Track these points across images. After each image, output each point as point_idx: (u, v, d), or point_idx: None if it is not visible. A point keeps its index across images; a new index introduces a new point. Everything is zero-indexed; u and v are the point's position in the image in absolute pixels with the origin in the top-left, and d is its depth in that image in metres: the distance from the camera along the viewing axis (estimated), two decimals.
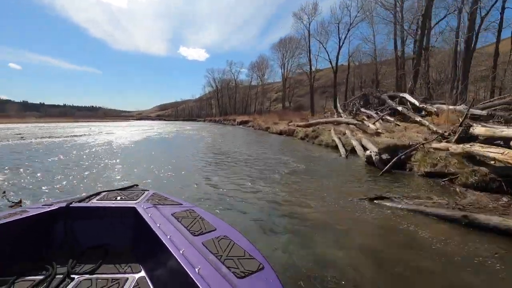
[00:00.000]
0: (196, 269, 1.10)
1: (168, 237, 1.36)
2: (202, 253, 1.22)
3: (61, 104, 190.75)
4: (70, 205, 1.74)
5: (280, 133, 20.41)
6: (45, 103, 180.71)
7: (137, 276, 1.52)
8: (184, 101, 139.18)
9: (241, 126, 38.78)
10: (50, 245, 1.69)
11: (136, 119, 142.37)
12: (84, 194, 2.07)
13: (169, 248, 1.27)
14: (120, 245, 1.74)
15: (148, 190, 2.13)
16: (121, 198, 1.90)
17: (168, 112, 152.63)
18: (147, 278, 1.50)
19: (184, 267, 1.12)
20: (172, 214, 1.62)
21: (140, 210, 1.70)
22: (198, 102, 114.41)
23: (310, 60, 37.10)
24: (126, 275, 1.52)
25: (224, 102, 73.45)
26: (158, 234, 1.40)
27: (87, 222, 1.77)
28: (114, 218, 1.79)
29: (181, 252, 1.22)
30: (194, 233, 1.41)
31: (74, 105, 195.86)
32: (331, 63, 34.10)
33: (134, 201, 1.86)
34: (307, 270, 2.50)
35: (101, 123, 56.15)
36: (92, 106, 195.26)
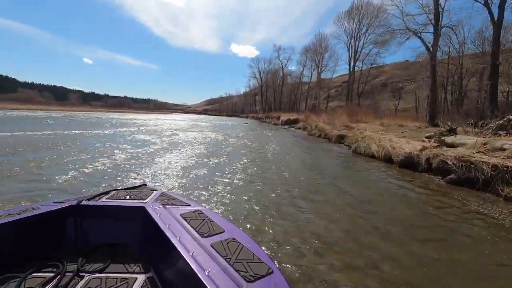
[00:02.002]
0: (206, 272, 1.07)
1: (178, 238, 1.30)
2: (211, 255, 1.18)
3: (122, 95, 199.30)
4: (80, 203, 1.67)
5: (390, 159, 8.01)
6: (109, 94, 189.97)
7: (146, 276, 1.48)
8: (229, 96, 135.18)
9: (286, 126, 29.29)
10: (61, 242, 1.64)
11: (183, 113, 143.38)
12: (93, 192, 1.94)
13: (179, 249, 1.21)
14: (129, 244, 1.69)
15: (156, 190, 2.03)
16: (130, 197, 1.83)
17: (215, 107, 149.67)
18: (156, 278, 1.46)
19: (194, 269, 1.09)
20: (180, 215, 1.56)
21: (149, 210, 1.63)
22: (242, 97, 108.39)
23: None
24: (135, 275, 1.48)
25: (269, 97, 63.48)
26: (167, 234, 1.33)
27: (97, 220, 1.70)
28: (123, 217, 1.71)
29: (190, 254, 1.17)
30: (203, 234, 1.36)
31: (132, 97, 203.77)
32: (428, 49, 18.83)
33: (143, 201, 1.78)
34: None
35: (137, 116, 50.35)
36: (148, 99, 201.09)
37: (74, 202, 1.70)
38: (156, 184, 4.96)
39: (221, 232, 1.40)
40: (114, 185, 4.64)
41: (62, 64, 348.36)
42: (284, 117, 32.50)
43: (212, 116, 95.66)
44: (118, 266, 1.53)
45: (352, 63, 33.96)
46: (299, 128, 24.40)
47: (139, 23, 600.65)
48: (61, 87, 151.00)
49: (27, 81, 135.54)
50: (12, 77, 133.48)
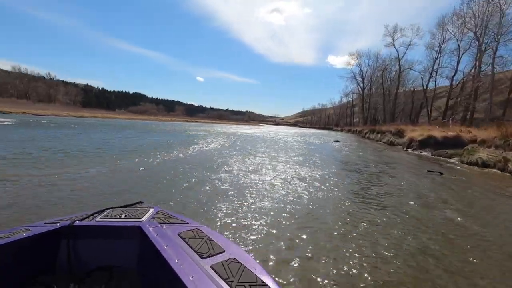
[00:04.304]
0: None
1: (176, 260, 1.19)
2: (212, 278, 1.08)
3: (224, 108, 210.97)
4: (73, 224, 1.51)
5: None
6: (213, 107, 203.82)
7: None
8: (322, 108, 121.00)
9: (424, 153, 13.88)
10: (52, 266, 1.48)
11: (274, 124, 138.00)
12: (87, 211, 1.69)
13: (177, 272, 1.11)
14: (125, 266, 1.53)
15: (153, 207, 1.85)
16: (125, 216, 1.65)
17: (307, 119, 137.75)
18: None
19: None
20: (179, 234, 1.44)
21: (145, 229, 1.48)
22: (337, 109, 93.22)
23: None
24: None
25: (373, 105, 46.13)
26: (165, 256, 1.22)
27: (91, 241, 1.53)
28: (119, 237, 1.54)
29: (190, 278, 1.08)
30: (202, 255, 1.25)
31: (232, 109, 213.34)
32: None
33: (139, 220, 1.60)
34: None
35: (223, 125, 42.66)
36: (246, 111, 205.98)
37: (67, 223, 1.50)
38: None
39: (222, 252, 1.28)
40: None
41: (179, 82, 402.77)
42: (414, 133, 16.58)
43: (302, 129, 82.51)
44: None
45: None
46: (475, 165, 9.22)
47: (243, 43, 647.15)
48: (172, 101, 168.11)
49: (153, 97, 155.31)
50: (143, 93, 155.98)
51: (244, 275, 1.10)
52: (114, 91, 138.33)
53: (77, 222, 1.52)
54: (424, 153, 13.75)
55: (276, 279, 1.22)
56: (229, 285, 1.03)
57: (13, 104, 59.42)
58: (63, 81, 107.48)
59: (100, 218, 1.61)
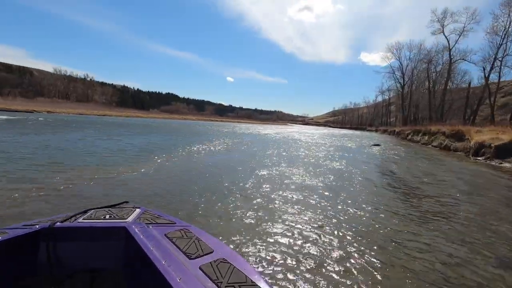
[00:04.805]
0: None
1: (163, 261, 1.14)
2: (200, 280, 1.04)
3: (253, 108, 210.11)
4: (54, 226, 1.43)
5: None
6: (242, 107, 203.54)
7: None
8: (355, 107, 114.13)
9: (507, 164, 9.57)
10: (32, 270, 1.41)
11: (303, 124, 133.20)
12: (69, 213, 1.59)
13: (164, 274, 1.06)
14: (110, 269, 1.47)
15: (139, 207, 1.75)
16: (110, 216, 1.56)
17: (338, 119, 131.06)
18: None
19: None
20: (165, 234, 1.39)
21: (131, 230, 1.41)
22: (371, 108, 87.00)
23: None
24: None
25: (415, 101, 40.18)
26: (151, 258, 1.18)
27: (73, 244, 1.45)
28: (103, 239, 1.46)
29: (177, 279, 1.03)
30: (190, 256, 1.21)
31: (261, 109, 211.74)
32: None
33: (125, 220, 1.52)
34: None
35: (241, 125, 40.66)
36: (274, 110, 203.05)
37: (47, 224, 1.42)
38: None
39: (210, 253, 1.25)
40: None
41: (210, 82, 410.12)
42: (482, 136, 12.45)
43: (332, 129, 77.81)
44: None
45: None
46: None
47: (273, 43, 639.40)
48: (202, 100, 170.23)
49: (184, 97, 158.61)
50: (175, 93, 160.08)
51: (233, 276, 1.07)
52: (148, 91, 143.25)
53: (57, 224, 1.43)
54: (507, 165, 9.73)
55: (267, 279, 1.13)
56: (218, 286, 1.00)
57: (54, 104, 62.53)
58: (101, 82, 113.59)
59: (83, 219, 1.51)
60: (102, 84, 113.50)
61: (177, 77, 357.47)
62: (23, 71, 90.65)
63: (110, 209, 1.69)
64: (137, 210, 1.68)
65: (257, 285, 1.01)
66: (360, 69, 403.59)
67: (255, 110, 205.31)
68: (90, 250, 1.44)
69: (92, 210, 1.62)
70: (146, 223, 1.49)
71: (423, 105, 37.67)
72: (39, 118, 24.82)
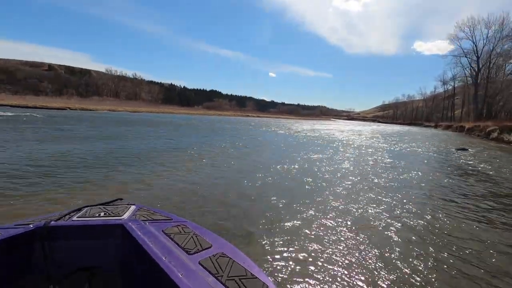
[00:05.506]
0: None
1: (163, 258, 1.13)
2: (201, 274, 1.04)
3: (295, 103, 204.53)
4: (49, 225, 1.40)
5: None
6: (285, 102, 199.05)
7: None
8: (409, 100, 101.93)
9: None
10: (26, 272, 1.38)
11: (347, 119, 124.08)
12: (62, 211, 1.54)
13: (165, 270, 1.05)
14: (108, 267, 1.44)
15: (134, 204, 1.72)
16: (105, 214, 1.53)
17: (388, 113, 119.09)
18: None
19: None
20: (163, 231, 1.38)
21: (128, 227, 1.39)
22: (429, 101, 77.16)
23: None
24: None
25: (491, 92, 31.59)
26: (151, 254, 1.17)
27: (69, 242, 1.41)
28: (99, 237, 1.44)
29: (178, 274, 1.03)
30: (190, 251, 1.20)
31: (304, 104, 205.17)
32: None
33: (120, 217, 1.49)
34: None
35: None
36: (317, 106, 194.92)
37: (41, 224, 1.40)
38: None
39: (209, 247, 1.24)
40: None
41: (252, 78, 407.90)
42: None
43: (382, 125, 70.03)
44: None
45: None
46: None
47: (317, 36, 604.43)
48: (244, 96, 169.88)
49: (227, 93, 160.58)
50: (218, 90, 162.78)
51: (233, 269, 1.07)
52: (193, 89, 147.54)
53: (52, 223, 1.40)
54: None
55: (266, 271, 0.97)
56: (219, 280, 1.00)
57: (104, 102, 66.63)
58: (149, 81, 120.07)
59: (77, 217, 1.49)
60: (150, 82, 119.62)
61: (221, 74, 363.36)
62: (83, 72, 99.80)
63: (105, 206, 1.65)
64: (132, 207, 1.65)
65: (257, 278, 1.01)
66: (413, 59, 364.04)
67: (298, 105, 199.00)
68: (86, 248, 1.41)
69: (86, 208, 1.59)
70: (143, 220, 1.47)
71: (505, 95, 29.61)
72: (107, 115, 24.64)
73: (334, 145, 12.06)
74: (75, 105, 44.06)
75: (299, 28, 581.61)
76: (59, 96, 70.26)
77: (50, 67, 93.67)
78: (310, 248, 2.50)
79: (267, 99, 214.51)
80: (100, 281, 1.38)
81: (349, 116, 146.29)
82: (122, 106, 57.11)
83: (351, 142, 13.72)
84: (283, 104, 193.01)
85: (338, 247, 2.55)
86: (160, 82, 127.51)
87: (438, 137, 22.84)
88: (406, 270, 2.24)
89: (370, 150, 10.80)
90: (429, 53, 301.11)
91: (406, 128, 47.28)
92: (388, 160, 8.26)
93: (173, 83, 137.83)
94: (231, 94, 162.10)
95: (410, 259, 2.41)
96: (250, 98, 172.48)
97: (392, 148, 11.90)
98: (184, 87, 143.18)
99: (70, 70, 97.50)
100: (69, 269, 1.38)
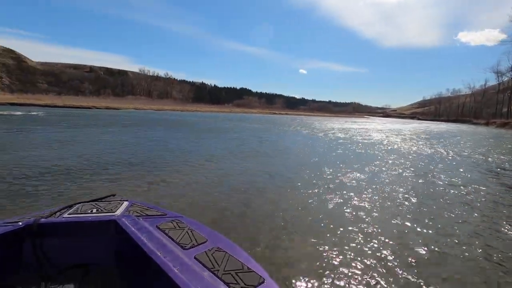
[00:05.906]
0: None
1: (158, 253, 1.11)
2: (197, 269, 1.03)
3: (327, 100, 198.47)
4: (39, 222, 1.37)
5: None
6: (315, 99, 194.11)
7: None
8: (454, 95, 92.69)
9: None
10: (17, 270, 1.35)
11: (383, 116, 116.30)
12: (52, 208, 1.51)
13: (161, 266, 1.04)
14: (101, 263, 1.42)
15: (127, 200, 1.69)
16: (97, 210, 1.51)
17: (429, 110, 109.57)
18: None
19: (180, 286, 0.95)
20: (157, 226, 1.36)
21: (121, 223, 1.37)
22: (478, 95, 69.40)
23: None
24: None
25: None
26: (145, 250, 1.15)
27: (61, 240, 1.39)
28: (92, 233, 1.41)
29: (173, 269, 1.01)
30: (185, 246, 1.19)
31: (336, 101, 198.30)
32: None
33: (113, 213, 1.48)
34: None
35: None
36: (351, 102, 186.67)
37: (31, 221, 1.36)
38: None
39: (204, 242, 1.24)
40: None
41: (283, 75, 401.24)
42: None
43: (424, 123, 64.31)
44: None
45: None
46: None
47: (349, 30, 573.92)
48: (273, 94, 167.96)
49: (257, 91, 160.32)
50: (248, 88, 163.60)
51: (229, 263, 1.07)
52: (224, 87, 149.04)
53: (42, 220, 1.38)
54: None
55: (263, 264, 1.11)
56: (215, 274, 1.00)
57: (137, 100, 69.03)
58: (181, 80, 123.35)
59: (69, 214, 1.47)
60: (182, 81, 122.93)
61: (251, 72, 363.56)
62: (121, 73, 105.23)
63: (97, 202, 1.64)
64: (125, 203, 1.63)
65: (253, 271, 1.01)
66: (457, 51, 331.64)
67: (329, 102, 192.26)
68: (79, 245, 1.39)
69: (78, 204, 1.57)
70: (136, 216, 1.45)
71: None
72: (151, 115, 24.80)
73: (374, 152, 9.52)
74: (101, 103, 45.49)
75: (330, 23, 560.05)
76: (97, 96, 74.31)
77: (91, 69, 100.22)
78: None
79: (298, 96, 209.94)
80: (94, 278, 1.34)
81: (385, 113, 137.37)
82: (148, 104, 58.66)
83: (396, 147, 11.03)
84: (313, 101, 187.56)
85: None
86: (192, 81, 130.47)
87: (501, 138, 19.02)
88: None
89: (426, 160, 8.39)
90: (475, 44, 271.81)
91: (453, 126, 41.96)
92: (471, 185, 5.91)
93: (204, 82, 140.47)
94: (261, 92, 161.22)
95: None
96: (280, 96, 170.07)
97: (458, 158, 8.68)
98: (214, 85, 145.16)
99: (109, 71, 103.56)
100: (62, 266, 1.34)
